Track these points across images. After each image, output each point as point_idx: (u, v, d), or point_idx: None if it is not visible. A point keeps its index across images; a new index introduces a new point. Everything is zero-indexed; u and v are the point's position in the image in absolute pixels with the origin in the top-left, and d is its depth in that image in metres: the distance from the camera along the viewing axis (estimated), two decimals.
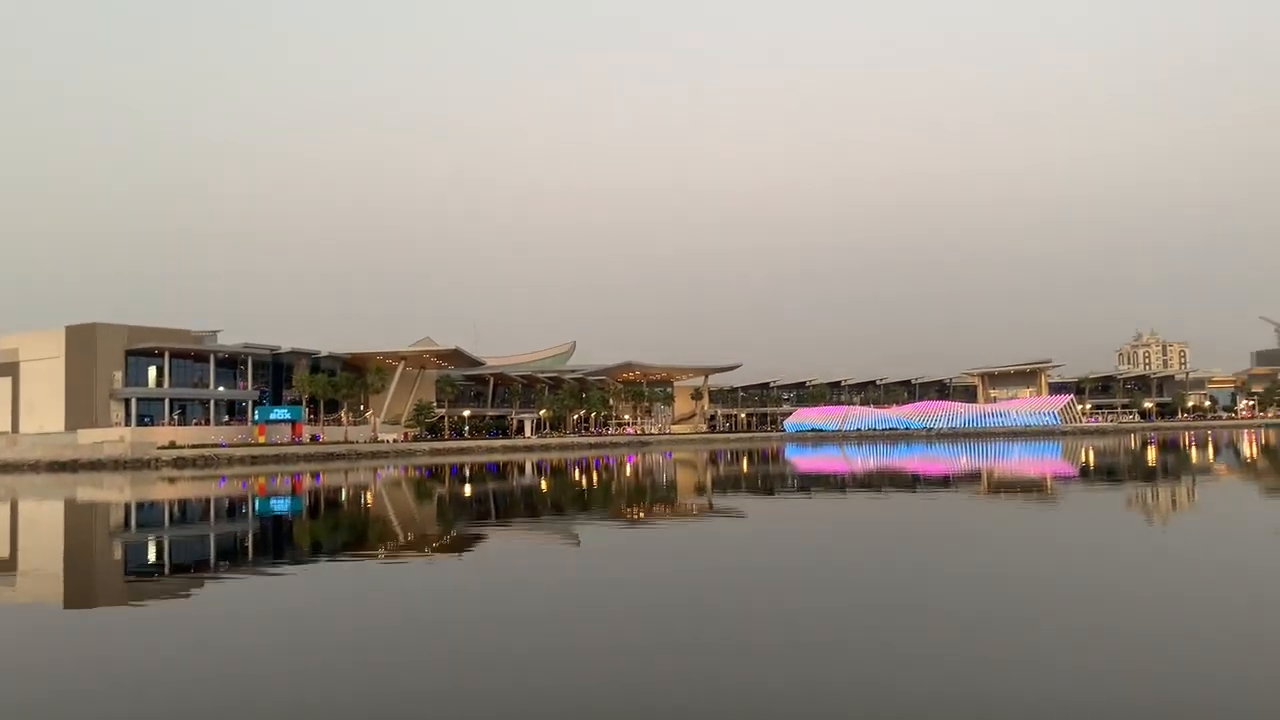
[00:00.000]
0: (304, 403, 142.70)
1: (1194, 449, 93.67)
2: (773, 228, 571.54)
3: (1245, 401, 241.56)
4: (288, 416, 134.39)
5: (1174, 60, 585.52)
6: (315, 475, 79.38)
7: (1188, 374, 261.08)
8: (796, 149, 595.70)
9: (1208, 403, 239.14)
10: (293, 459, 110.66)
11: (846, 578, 20.52)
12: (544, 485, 62.03)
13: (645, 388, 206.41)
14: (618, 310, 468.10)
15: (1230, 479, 51.91)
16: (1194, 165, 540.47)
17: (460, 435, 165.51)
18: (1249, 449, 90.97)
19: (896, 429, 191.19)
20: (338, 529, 36.82)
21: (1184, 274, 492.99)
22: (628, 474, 72.73)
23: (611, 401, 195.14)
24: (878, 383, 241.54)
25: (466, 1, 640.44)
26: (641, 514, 38.77)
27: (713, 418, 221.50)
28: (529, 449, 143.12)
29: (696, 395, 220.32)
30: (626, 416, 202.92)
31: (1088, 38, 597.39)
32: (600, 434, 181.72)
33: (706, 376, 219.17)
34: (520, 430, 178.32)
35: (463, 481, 67.69)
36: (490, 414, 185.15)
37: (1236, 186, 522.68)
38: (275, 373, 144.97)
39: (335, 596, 20.05)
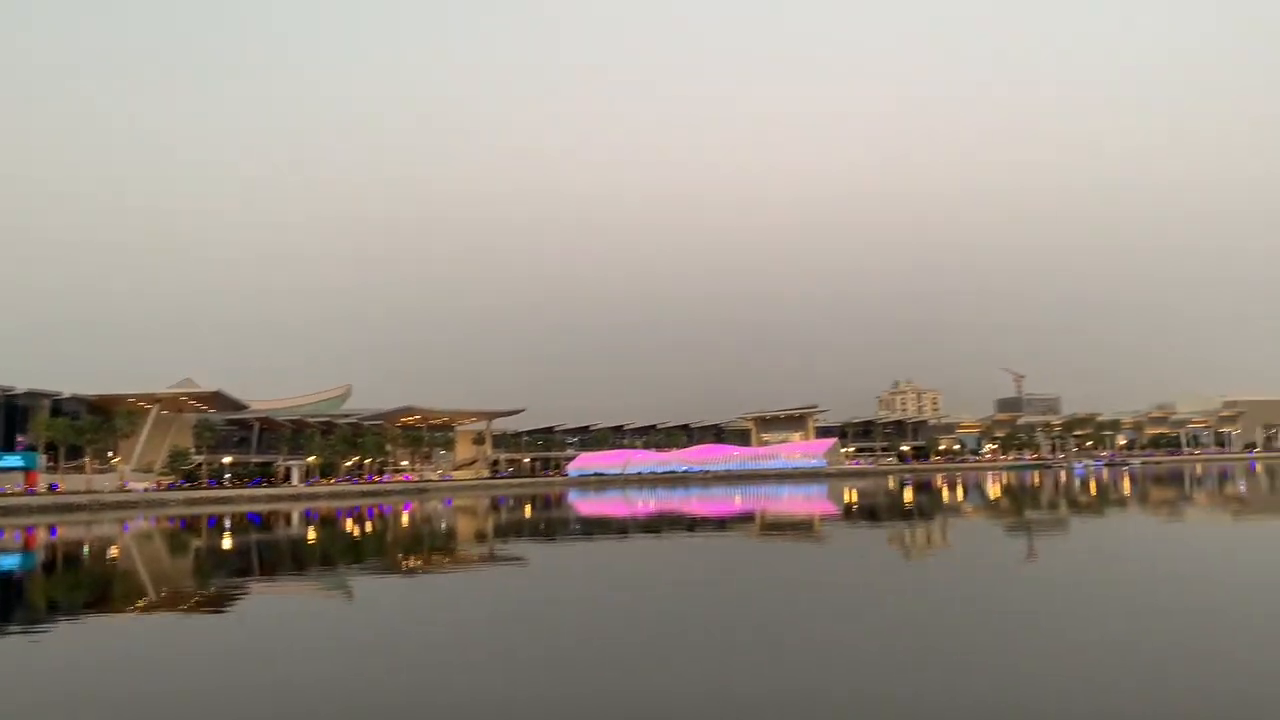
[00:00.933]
0: (42, 449, 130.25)
1: (945, 489, 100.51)
2: (561, 273, 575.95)
3: (989, 445, 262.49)
4: (20, 464, 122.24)
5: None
6: (51, 528, 72.26)
7: (940, 420, 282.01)
8: (579, 191, 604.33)
9: (957, 446, 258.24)
10: (24, 511, 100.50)
11: (625, 626, 20.29)
12: (312, 536, 58.85)
13: (425, 432, 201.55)
14: (399, 353, 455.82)
15: (976, 518, 55.74)
16: (959, 226, 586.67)
17: (220, 484, 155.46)
18: (992, 490, 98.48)
19: (676, 472, 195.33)
20: (78, 587, 33.36)
21: (939, 324, 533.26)
22: (405, 522, 70.27)
23: (389, 447, 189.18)
24: (658, 426, 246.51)
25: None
26: (419, 564, 37.32)
27: (495, 463, 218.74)
28: (295, 498, 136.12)
29: (479, 440, 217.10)
30: (405, 462, 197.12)
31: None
32: (375, 481, 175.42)
33: (490, 421, 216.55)
34: (288, 478, 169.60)
35: (222, 533, 63.29)
36: (255, 461, 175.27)
37: (991, 245, 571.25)
38: (8, 416, 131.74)
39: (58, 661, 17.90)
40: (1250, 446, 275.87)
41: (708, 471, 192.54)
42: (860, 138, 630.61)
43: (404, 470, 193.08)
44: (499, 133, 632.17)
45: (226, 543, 55.37)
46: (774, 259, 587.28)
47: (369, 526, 66.39)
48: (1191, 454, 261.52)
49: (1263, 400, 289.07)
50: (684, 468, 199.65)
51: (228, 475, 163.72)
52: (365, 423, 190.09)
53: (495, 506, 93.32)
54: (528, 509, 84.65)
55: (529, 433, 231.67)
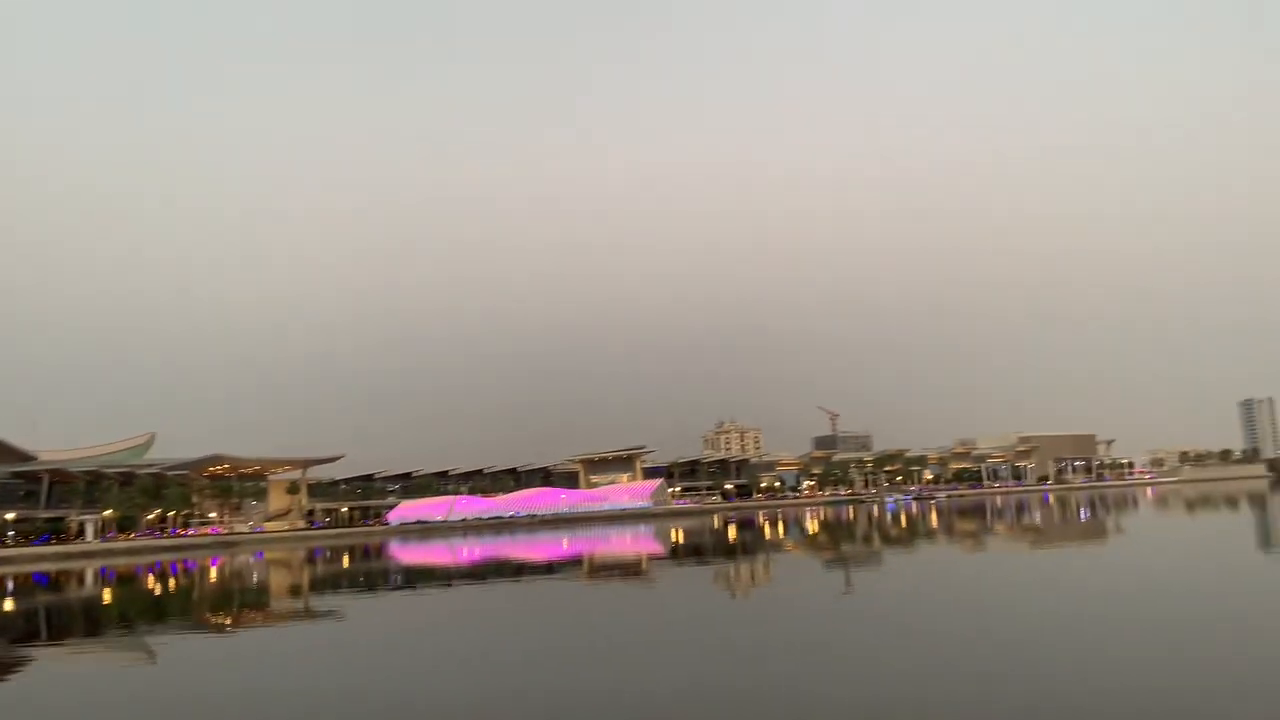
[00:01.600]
0: None
1: (767, 526, 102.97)
2: (385, 316, 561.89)
3: (807, 482, 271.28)
4: None
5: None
6: None
7: (761, 458, 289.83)
8: (402, 239, 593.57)
9: (778, 483, 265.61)
10: None
11: (445, 677, 19.58)
12: (109, 596, 54.59)
13: (235, 482, 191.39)
14: (208, 400, 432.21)
15: (797, 554, 57.21)
16: (778, 268, 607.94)
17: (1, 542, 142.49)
18: (810, 525, 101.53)
19: (502, 517, 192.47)
20: None
21: (761, 363, 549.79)
22: (212, 578, 66.23)
23: (195, 498, 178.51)
24: (484, 471, 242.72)
25: None
26: (227, 621, 35.09)
27: (311, 513, 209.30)
28: (89, 555, 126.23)
29: (293, 489, 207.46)
30: (213, 514, 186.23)
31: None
32: (179, 535, 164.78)
33: (305, 469, 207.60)
34: (81, 534, 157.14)
35: (1, 596, 57.88)
36: (43, 516, 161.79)
37: (810, 285, 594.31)
38: None
39: None
40: (1043, 479, 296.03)
41: (535, 516, 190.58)
42: (685, 186, 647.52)
43: (211, 523, 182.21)
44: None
45: (6, 605, 50.60)
46: (599, 301, 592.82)
47: (172, 584, 62.19)
48: (991, 487, 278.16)
49: (1054, 436, 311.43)
50: (511, 513, 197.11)
51: (10, 533, 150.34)
52: (169, 473, 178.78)
53: (311, 559, 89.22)
54: (345, 560, 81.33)
55: (347, 480, 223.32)
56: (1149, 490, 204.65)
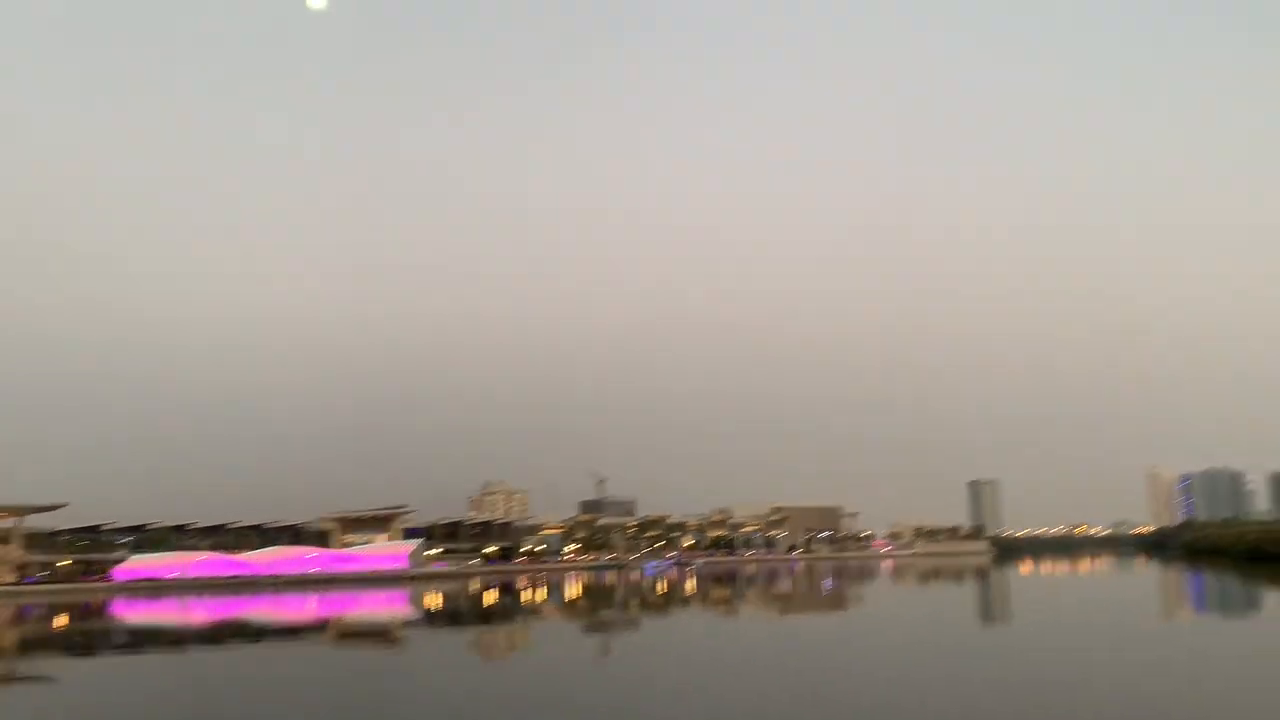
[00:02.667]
0: None
1: (527, 591, 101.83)
2: (121, 359, 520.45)
3: (571, 546, 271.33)
4: None
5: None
6: None
7: (525, 521, 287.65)
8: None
9: (541, 547, 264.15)
10: None
11: None
12: None
13: None
14: None
15: (555, 618, 56.81)
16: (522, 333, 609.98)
17: None
18: (571, 590, 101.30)
19: (244, 576, 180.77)
20: None
21: (532, 425, 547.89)
22: None
23: None
24: (228, 527, 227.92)
25: None
26: None
27: (24, 566, 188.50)
28: None
29: (3, 539, 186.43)
30: None
31: None
32: None
33: (20, 517, 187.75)
34: None
35: None
36: None
37: (577, 353, 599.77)
38: None
39: None
40: (793, 548, 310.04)
41: (278, 576, 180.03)
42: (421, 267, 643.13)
43: None
44: None
45: None
46: (371, 356, 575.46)
47: None
48: (745, 555, 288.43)
49: (803, 507, 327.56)
50: (254, 571, 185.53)
51: None
52: None
53: (20, 618, 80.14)
54: (61, 620, 73.60)
55: (71, 531, 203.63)
56: (887, 562, 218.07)
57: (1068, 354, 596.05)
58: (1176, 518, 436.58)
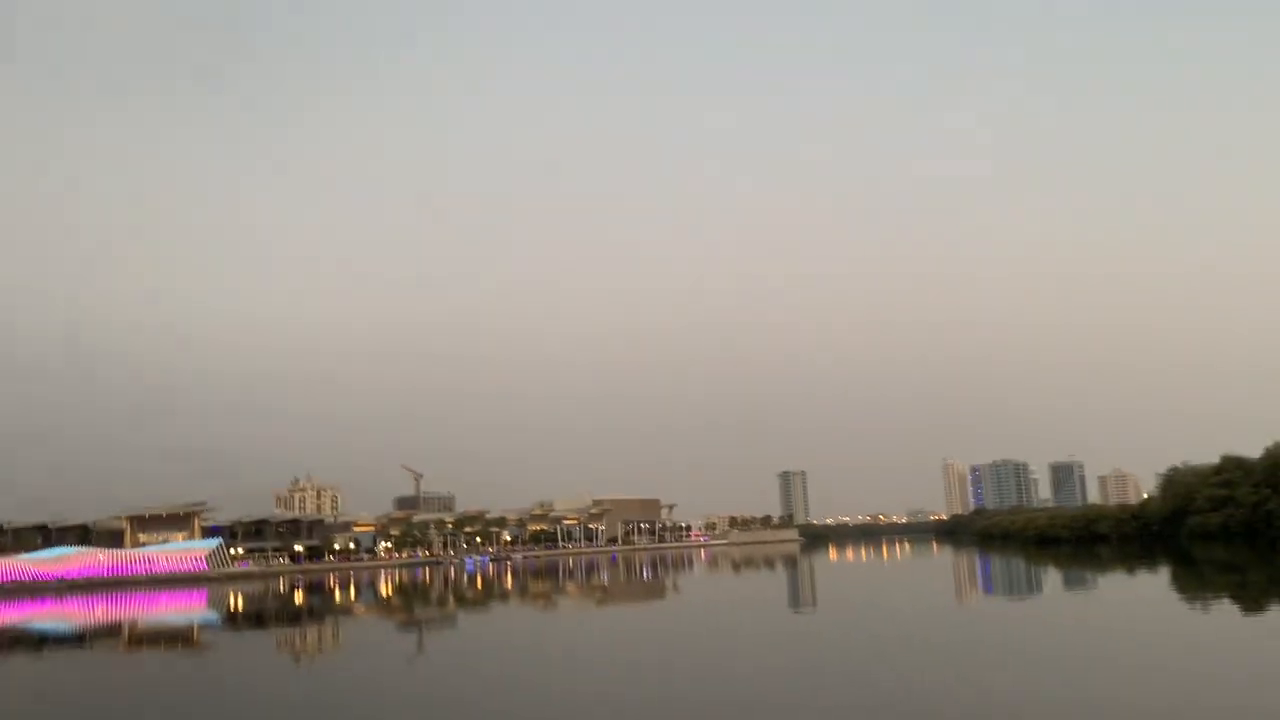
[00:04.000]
0: None
1: (338, 590, 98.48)
2: None
3: (384, 544, 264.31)
4: None
5: None
6: None
7: (337, 518, 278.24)
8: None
9: (353, 545, 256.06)
10: None
11: None
12: None
13: None
14: None
15: (367, 617, 55.03)
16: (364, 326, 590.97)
17: None
18: (384, 588, 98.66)
19: (24, 580, 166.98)
20: None
21: (342, 419, 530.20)
22: None
23: None
24: (5, 527, 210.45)
25: None
26: None
27: None
28: None
29: None
30: None
31: None
32: None
33: None
34: None
35: None
36: None
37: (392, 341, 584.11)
38: None
39: None
40: (613, 540, 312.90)
41: (64, 579, 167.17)
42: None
43: None
44: None
45: None
46: (174, 347, 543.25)
47: None
48: (566, 548, 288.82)
49: (623, 499, 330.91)
50: (35, 574, 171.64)
51: None
52: None
53: None
54: None
55: None
56: (703, 552, 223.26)
57: (876, 349, 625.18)
58: (969, 506, 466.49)
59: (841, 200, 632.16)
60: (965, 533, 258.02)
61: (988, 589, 58.14)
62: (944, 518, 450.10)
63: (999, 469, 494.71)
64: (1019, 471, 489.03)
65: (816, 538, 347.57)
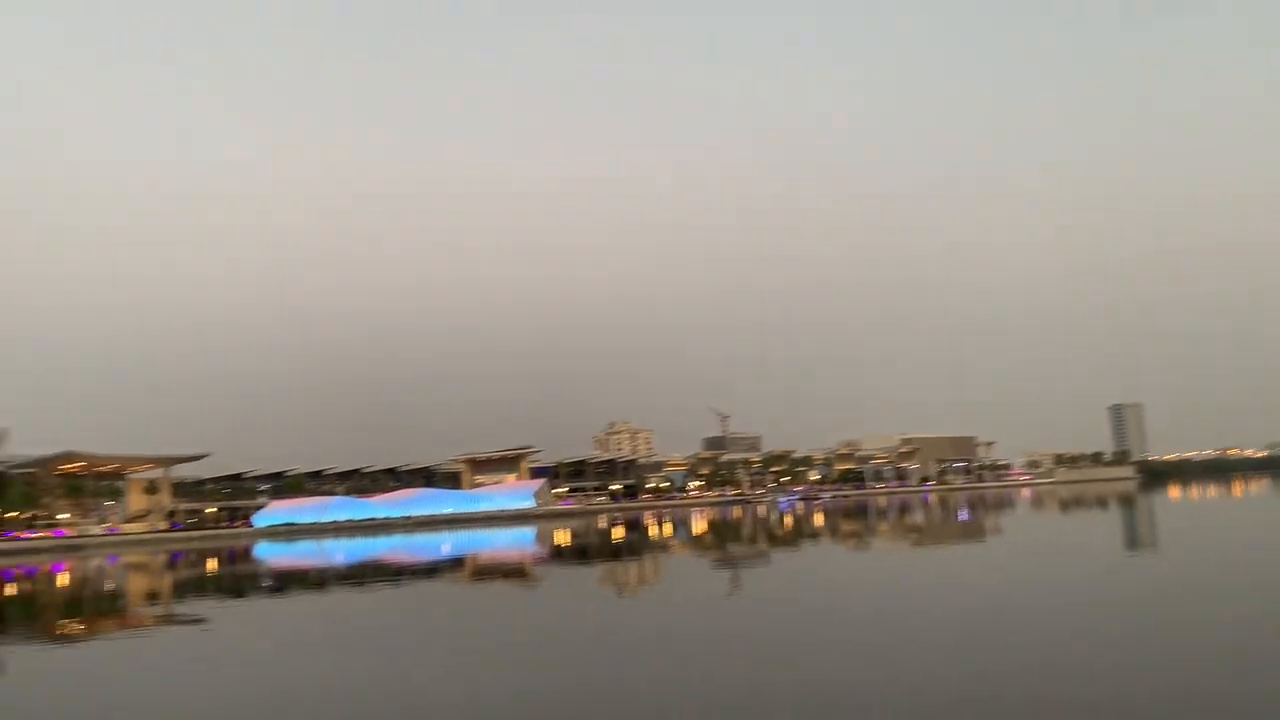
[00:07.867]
0: None
1: (653, 526, 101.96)
2: (249, 312, 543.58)
3: (694, 483, 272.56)
4: None
5: None
6: None
7: (650, 458, 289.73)
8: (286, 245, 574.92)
9: (665, 484, 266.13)
10: None
11: (323, 693, 17.46)
12: None
13: (90, 481, 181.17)
14: (66, 396, 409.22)
15: (683, 554, 56.13)
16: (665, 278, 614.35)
17: None
18: (697, 525, 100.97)
19: (378, 518, 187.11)
20: None
21: (653, 368, 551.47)
22: (58, 585, 61.59)
23: (46, 499, 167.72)
24: (363, 471, 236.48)
25: None
26: (80, 630, 31.89)
27: (173, 514, 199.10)
28: None
29: (152, 489, 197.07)
30: (66, 515, 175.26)
31: None
32: (14, 539, 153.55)
33: (168, 468, 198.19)
34: None
35: None
36: None
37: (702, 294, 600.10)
38: None
39: None
40: (925, 480, 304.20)
41: (411, 517, 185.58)
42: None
43: (59, 525, 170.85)
44: None
45: None
46: (486, 302, 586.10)
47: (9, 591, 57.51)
48: (875, 488, 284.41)
49: (934, 438, 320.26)
50: (389, 512, 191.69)
51: None
52: (12, 470, 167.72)
53: (173, 563, 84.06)
54: (210, 565, 76.80)
55: (215, 480, 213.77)
56: (1025, 491, 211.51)
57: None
58: None
59: None
60: None
61: None
62: None
63: None
64: None
65: (1156, 475, 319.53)
